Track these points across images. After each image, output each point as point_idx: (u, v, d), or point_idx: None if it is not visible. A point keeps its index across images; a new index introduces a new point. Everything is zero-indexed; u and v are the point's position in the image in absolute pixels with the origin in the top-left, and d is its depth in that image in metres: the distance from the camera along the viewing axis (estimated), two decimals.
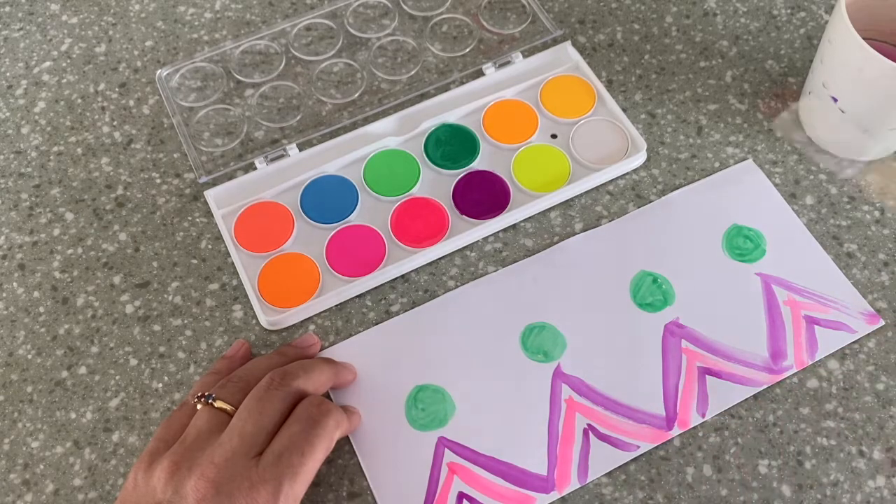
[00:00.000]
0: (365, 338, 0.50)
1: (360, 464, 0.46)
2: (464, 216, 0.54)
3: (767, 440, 0.47)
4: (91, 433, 0.48)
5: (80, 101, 0.60)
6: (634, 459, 0.46)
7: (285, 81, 0.59)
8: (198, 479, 0.39)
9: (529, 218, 0.54)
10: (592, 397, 0.48)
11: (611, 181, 0.55)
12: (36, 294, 0.52)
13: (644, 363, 0.49)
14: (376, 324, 0.51)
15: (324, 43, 0.61)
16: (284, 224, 0.53)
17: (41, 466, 0.47)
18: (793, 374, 0.48)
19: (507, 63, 0.59)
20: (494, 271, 0.52)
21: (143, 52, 0.62)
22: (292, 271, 0.52)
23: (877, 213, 0.54)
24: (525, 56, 0.59)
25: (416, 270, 0.52)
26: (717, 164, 0.56)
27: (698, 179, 0.55)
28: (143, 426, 0.48)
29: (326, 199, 0.54)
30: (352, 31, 0.61)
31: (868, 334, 0.50)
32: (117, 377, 0.50)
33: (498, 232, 0.54)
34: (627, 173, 0.56)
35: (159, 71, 0.59)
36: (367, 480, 0.46)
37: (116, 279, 0.53)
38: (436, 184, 0.55)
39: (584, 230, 0.54)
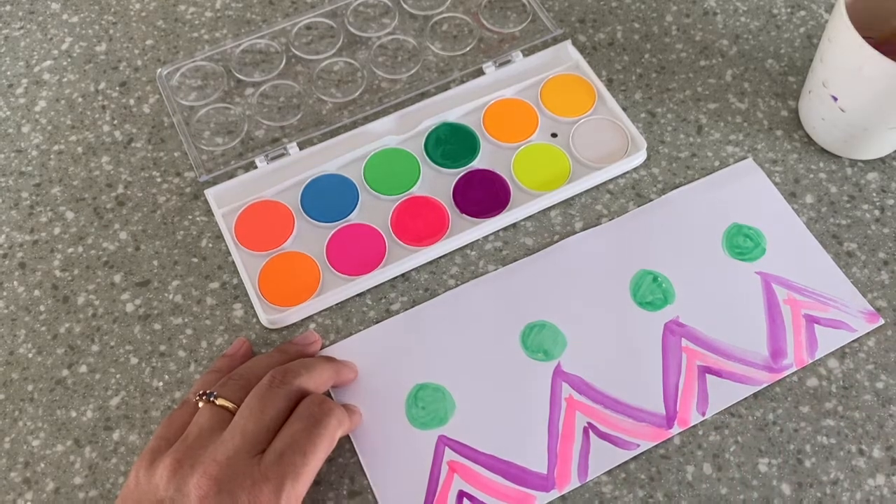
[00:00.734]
0: (365, 336, 0.50)
1: (360, 462, 0.46)
2: (464, 215, 0.54)
3: (767, 439, 0.47)
4: (92, 432, 0.48)
5: (80, 99, 0.60)
6: (634, 458, 0.46)
7: (286, 80, 0.59)
8: (200, 477, 0.39)
9: (530, 217, 0.54)
10: (592, 396, 0.48)
11: (611, 180, 0.55)
12: (36, 293, 0.52)
13: (644, 362, 0.49)
14: (376, 322, 0.51)
15: (324, 42, 0.61)
16: (285, 223, 0.53)
17: (42, 465, 0.47)
18: (793, 373, 0.49)
19: (508, 62, 0.59)
20: (495, 270, 0.52)
21: (144, 51, 0.62)
22: (293, 270, 0.52)
23: (877, 212, 0.54)
24: (525, 55, 0.59)
25: (417, 269, 0.53)
26: (717, 163, 0.56)
27: (698, 178, 0.55)
28: (144, 425, 0.48)
29: (327, 198, 0.54)
30: (352, 30, 0.61)
31: (868, 333, 0.50)
32: (118, 376, 0.50)
33: (498, 231, 0.54)
34: (627, 172, 0.56)
35: (160, 70, 0.59)
36: (367, 479, 0.46)
37: (117, 278, 0.53)
38: (436, 182, 0.55)
39: (584, 229, 0.54)
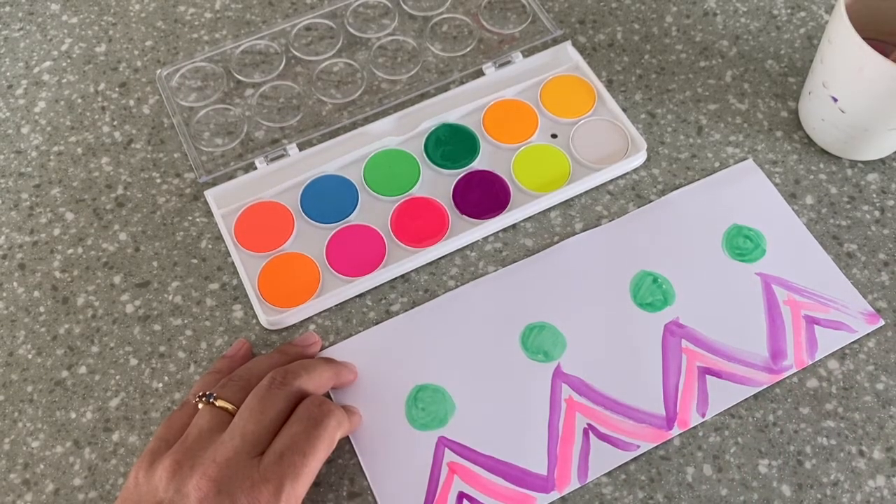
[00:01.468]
0: (365, 337, 0.50)
1: (360, 463, 0.46)
2: (464, 216, 0.54)
3: (767, 440, 0.47)
4: (91, 433, 0.48)
5: (80, 100, 0.60)
6: (634, 459, 0.46)
7: (285, 81, 0.59)
8: (199, 478, 0.39)
9: (529, 218, 0.54)
10: (592, 397, 0.48)
11: (611, 181, 0.55)
12: (36, 294, 0.52)
13: (644, 363, 0.49)
14: (376, 323, 0.51)
15: (324, 43, 0.61)
16: (284, 224, 0.53)
17: (41, 466, 0.47)
18: (793, 374, 0.48)
19: (508, 63, 0.59)
20: (494, 271, 0.52)
21: (144, 52, 0.62)
22: (292, 271, 0.52)
23: (877, 213, 0.54)
24: (525, 56, 0.59)
25: (417, 270, 0.52)
26: (717, 164, 0.56)
27: (698, 179, 0.55)
28: (144, 426, 0.48)
29: (326, 199, 0.54)
30: (352, 30, 0.61)
31: (868, 334, 0.50)
32: (117, 377, 0.50)
33: (498, 232, 0.54)
34: (627, 173, 0.56)
35: (159, 71, 0.59)
36: (367, 480, 0.46)
37: (116, 279, 0.53)
38: (436, 183, 0.55)
39: (584, 230, 0.54)
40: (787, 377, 0.48)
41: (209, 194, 0.54)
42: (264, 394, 0.42)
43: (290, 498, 0.40)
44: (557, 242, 0.53)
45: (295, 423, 0.42)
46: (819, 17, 0.62)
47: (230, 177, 0.55)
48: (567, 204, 0.55)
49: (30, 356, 0.50)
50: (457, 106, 0.57)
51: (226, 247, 0.53)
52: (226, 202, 0.54)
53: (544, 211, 0.54)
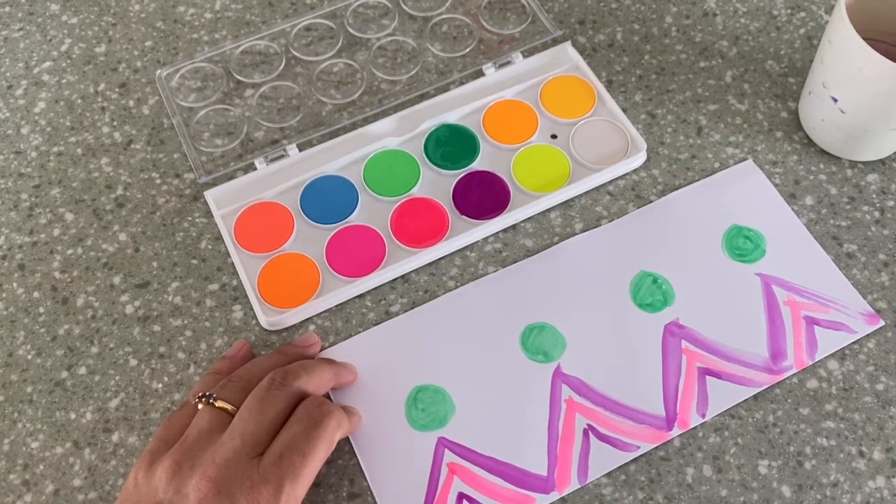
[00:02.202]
0: (365, 338, 0.50)
1: (360, 464, 0.46)
2: (464, 216, 0.54)
3: (767, 440, 0.47)
4: (91, 433, 0.48)
5: (79, 101, 0.60)
6: (634, 460, 0.46)
7: (285, 82, 0.59)
8: (199, 479, 0.39)
9: (529, 218, 0.54)
10: (592, 398, 0.48)
11: (611, 181, 0.55)
12: (36, 294, 0.52)
13: (644, 364, 0.49)
14: (376, 324, 0.51)
15: (324, 43, 0.61)
16: (284, 224, 0.53)
17: (41, 467, 0.47)
18: (793, 375, 0.48)
19: (507, 63, 0.59)
20: (494, 272, 0.52)
21: (143, 53, 0.62)
22: (292, 272, 0.52)
23: (877, 214, 0.54)
24: (525, 56, 0.59)
25: (416, 271, 0.52)
26: (717, 165, 0.56)
27: (698, 180, 0.55)
28: (143, 426, 0.48)
29: (326, 200, 0.54)
30: (352, 31, 0.61)
31: (868, 335, 0.50)
32: (117, 377, 0.50)
33: (498, 232, 0.54)
34: (627, 174, 0.56)
35: (159, 71, 0.59)
36: (367, 481, 0.46)
37: (116, 279, 0.53)
38: (436, 184, 0.55)
39: (584, 230, 0.54)
40: (787, 378, 0.48)
41: (209, 195, 0.54)
42: (264, 394, 0.42)
43: (290, 498, 0.40)
44: (557, 243, 0.53)
45: (294, 423, 0.42)
46: (819, 18, 0.62)
47: (230, 177, 0.55)
48: (567, 204, 0.55)
49: (29, 357, 0.50)
50: (457, 106, 0.57)
51: (225, 247, 0.53)
52: (226, 203, 0.54)
53: (544, 211, 0.54)
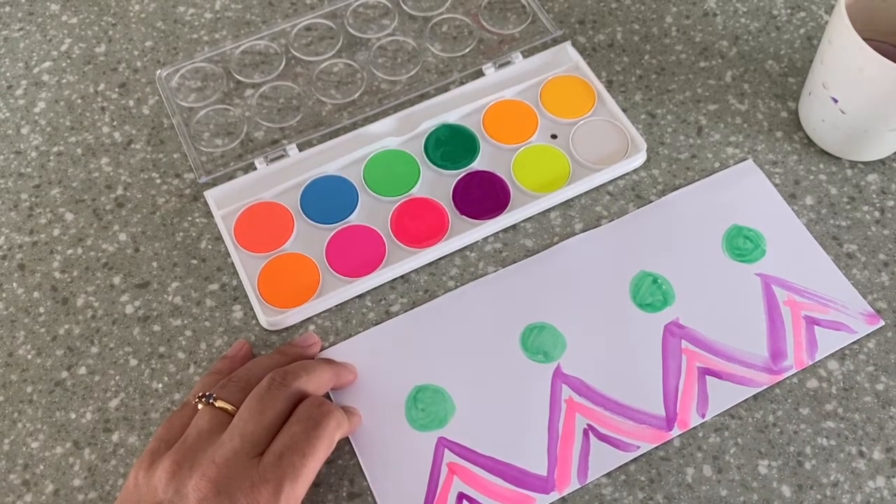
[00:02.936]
0: (365, 338, 0.50)
1: (360, 464, 0.46)
2: (464, 216, 0.54)
3: (767, 440, 0.47)
4: (91, 433, 0.48)
5: (79, 101, 0.60)
6: (634, 460, 0.46)
7: (285, 82, 0.59)
8: (199, 479, 0.39)
9: (529, 218, 0.54)
10: (592, 397, 0.48)
11: (611, 181, 0.55)
12: (36, 294, 0.52)
13: (644, 364, 0.49)
14: (376, 324, 0.51)
15: (324, 43, 0.61)
16: (284, 224, 0.53)
17: (41, 467, 0.47)
18: (793, 375, 0.48)
19: (507, 63, 0.59)
20: (494, 271, 0.52)
21: (143, 53, 0.62)
22: (292, 272, 0.52)
23: (877, 214, 0.54)
24: (525, 56, 0.59)
25: (416, 271, 0.52)
26: (717, 165, 0.56)
27: (698, 180, 0.55)
28: (143, 426, 0.48)
29: (326, 200, 0.54)
30: (352, 31, 0.61)
31: (868, 335, 0.50)
32: (117, 377, 0.50)
33: (498, 232, 0.54)
34: (627, 173, 0.56)
35: (159, 71, 0.59)
36: (367, 481, 0.46)
37: (116, 279, 0.53)
38: (436, 184, 0.55)
39: (584, 230, 0.54)
40: (787, 378, 0.48)
41: (209, 195, 0.54)
42: (264, 394, 0.42)
43: (290, 498, 0.40)
44: (557, 243, 0.53)
45: (294, 423, 0.42)
46: (819, 18, 0.62)
47: (230, 177, 0.55)
48: (567, 204, 0.55)
49: (29, 357, 0.50)
50: (457, 106, 0.57)
51: (225, 247, 0.53)
52: (225, 203, 0.54)
53: (544, 211, 0.54)
